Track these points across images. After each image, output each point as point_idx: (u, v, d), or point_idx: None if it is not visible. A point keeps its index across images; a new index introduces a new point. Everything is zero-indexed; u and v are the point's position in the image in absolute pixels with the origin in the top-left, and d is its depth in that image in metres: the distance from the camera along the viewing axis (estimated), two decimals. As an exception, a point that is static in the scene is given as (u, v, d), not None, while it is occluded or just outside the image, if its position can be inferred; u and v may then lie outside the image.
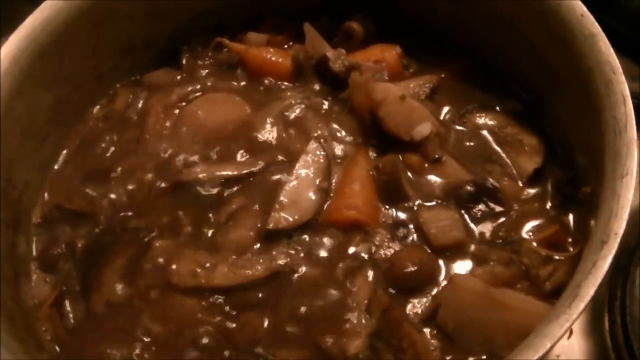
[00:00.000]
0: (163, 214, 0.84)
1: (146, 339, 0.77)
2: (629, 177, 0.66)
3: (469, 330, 0.73)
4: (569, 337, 0.95)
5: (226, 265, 0.78)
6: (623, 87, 0.71)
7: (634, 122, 0.70)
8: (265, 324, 0.76)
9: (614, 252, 0.63)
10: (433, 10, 0.96)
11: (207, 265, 0.78)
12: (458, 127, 0.89)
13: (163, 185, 0.86)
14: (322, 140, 0.86)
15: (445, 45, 0.96)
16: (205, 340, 0.76)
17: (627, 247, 0.98)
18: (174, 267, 0.79)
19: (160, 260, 0.80)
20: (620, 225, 0.64)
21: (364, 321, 0.75)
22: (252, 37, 0.97)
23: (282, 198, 0.81)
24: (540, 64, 0.85)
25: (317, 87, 0.92)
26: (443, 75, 0.93)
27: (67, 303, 0.79)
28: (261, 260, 0.79)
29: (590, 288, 0.61)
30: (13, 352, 0.67)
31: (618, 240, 0.63)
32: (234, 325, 0.76)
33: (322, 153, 0.84)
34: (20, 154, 0.83)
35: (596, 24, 0.76)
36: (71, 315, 0.79)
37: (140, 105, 0.94)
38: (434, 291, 0.77)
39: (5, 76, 0.78)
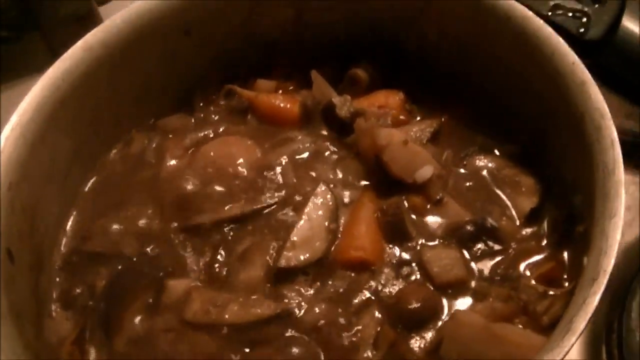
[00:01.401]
0: (177, 253, 0.89)
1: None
2: (617, 218, 0.72)
3: (471, 363, 0.78)
4: (569, 370, 1.00)
5: (237, 303, 0.84)
6: (611, 131, 0.77)
7: (622, 165, 0.76)
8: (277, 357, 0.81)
9: (603, 288, 0.68)
10: (436, 58, 1.02)
11: (219, 303, 0.84)
12: (459, 170, 0.94)
13: (176, 225, 0.91)
14: (330, 183, 0.92)
15: (447, 90, 1.01)
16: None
17: (624, 281, 1.03)
18: (188, 305, 0.84)
19: (176, 298, 0.85)
20: (609, 263, 0.69)
21: (371, 355, 0.80)
22: (261, 84, 1.04)
23: (293, 237, 0.86)
24: (538, 109, 0.91)
25: (324, 132, 0.99)
26: (444, 120, 0.99)
27: (88, 341, 0.84)
28: (271, 299, 0.84)
29: (581, 322, 0.67)
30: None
31: (607, 277, 0.69)
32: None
33: (331, 196, 0.90)
34: (42, 198, 0.88)
35: (587, 71, 0.82)
36: (93, 353, 0.84)
37: (154, 147, 1.00)
38: (437, 326, 0.82)
39: (30, 122, 0.84)
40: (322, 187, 0.91)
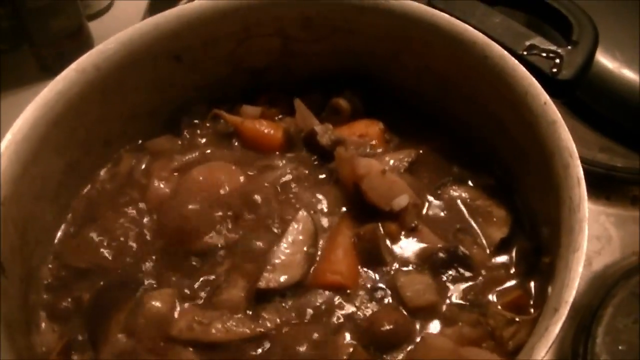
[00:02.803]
0: (160, 271, 0.94)
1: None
2: (580, 252, 0.77)
3: (440, 385, 0.83)
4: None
5: (220, 322, 0.88)
6: (578, 170, 0.82)
7: (586, 202, 0.80)
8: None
9: (564, 317, 0.73)
10: (416, 92, 1.08)
11: (204, 321, 0.88)
12: (433, 199, 0.99)
13: (160, 246, 0.96)
14: (310, 208, 0.97)
15: (425, 122, 1.07)
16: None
17: (591, 308, 1.09)
18: (173, 320, 0.89)
19: (160, 313, 0.89)
20: (570, 294, 0.74)
21: (344, 376, 0.85)
22: (247, 110, 1.08)
23: (273, 260, 0.90)
24: (511, 144, 0.96)
25: (306, 158, 1.03)
26: (421, 150, 1.04)
27: (74, 352, 0.89)
28: (252, 319, 0.88)
29: (542, 349, 0.72)
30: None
31: (568, 307, 0.73)
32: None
33: (311, 221, 0.94)
34: (33, 214, 0.93)
35: (557, 112, 0.87)
36: (80, 360, 0.88)
37: (142, 168, 1.04)
38: (409, 349, 0.87)
39: (23, 142, 0.89)
40: (303, 213, 0.95)
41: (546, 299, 0.81)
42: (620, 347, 1.04)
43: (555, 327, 0.73)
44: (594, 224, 1.21)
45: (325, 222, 0.97)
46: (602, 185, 1.25)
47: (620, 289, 1.11)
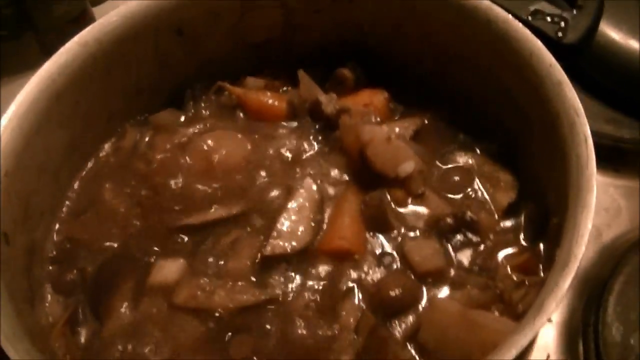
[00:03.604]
0: (165, 244, 0.93)
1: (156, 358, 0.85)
2: (589, 209, 0.76)
3: (448, 348, 0.81)
4: (546, 363, 1.04)
5: (224, 290, 0.87)
6: (585, 128, 0.81)
7: (594, 159, 0.79)
8: (260, 343, 0.84)
9: (573, 273, 0.72)
10: (419, 61, 1.06)
11: (207, 289, 0.87)
12: (440, 165, 0.98)
13: (165, 219, 0.95)
14: (315, 177, 0.96)
15: (430, 90, 1.06)
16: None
17: (601, 279, 1.07)
18: (177, 289, 0.88)
19: (163, 280, 0.89)
20: (579, 251, 0.73)
21: (351, 340, 0.83)
22: (250, 81, 1.08)
23: (279, 227, 0.90)
24: (516, 108, 0.95)
25: (310, 128, 1.02)
26: (426, 119, 1.03)
27: (79, 323, 0.88)
28: (257, 287, 0.88)
29: (551, 304, 0.70)
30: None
31: (577, 262, 0.72)
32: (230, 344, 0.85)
33: (316, 188, 0.94)
34: (36, 187, 0.91)
35: (563, 72, 0.86)
36: (83, 334, 0.88)
37: (146, 142, 1.03)
38: (417, 313, 0.86)
39: (26, 114, 0.88)
40: (308, 181, 0.94)
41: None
42: (632, 316, 1.02)
43: (565, 282, 0.72)
44: (603, 196, 1.20)
45: (331, 190, 0.96)
46: (610, 157, 1.23)
47: (630, 259, 1.09)
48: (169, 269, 0.90)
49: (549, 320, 1.05)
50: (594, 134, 1.19)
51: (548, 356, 1.03)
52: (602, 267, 1.11)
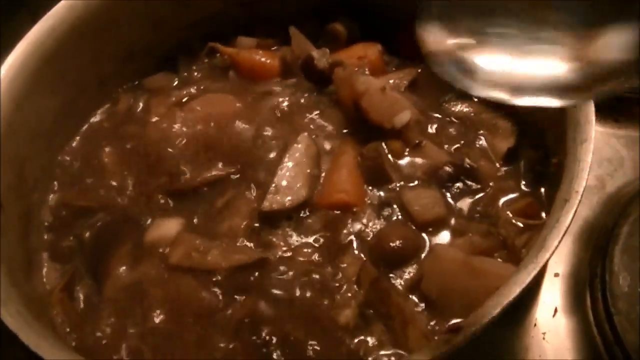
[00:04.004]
0: (161, 206, 0.91)
1: (155, 318, 0.83)
2: (588, 143, 0.74)
3: (452, 296, 0.79)
4: (553, 316, 1.01)
5: (219, 249, 0.85)
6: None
7: (592, 110, 0.77)
8: (260, 301, 0.82)
9: (575, 208, 0.69)
10: (411, 13, 1.04)
11: (202, 249, 0.85)
12: (437, 115, 0.96)
13: (159, 183, 0.93)
14: (311, 132, 0.94)
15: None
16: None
17: (606, 229, 1.05)
18: (173, 249, 0.86)
19: (162, 242, 0.87)
20: (580, 185, 0.71)
21: (353, 292, 0.82)
22: (242, 41, 1.06)
23: (276, 182, 0.88)
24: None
25: (304, 84, 1.00)
26: (421, 69, 1.00)
27: (77, 288, 0.87)
28: (256, 245, 0.86)
29: (554, 240, 0.68)
30: (35, 331, 0.72)
31: (579, 198, 0.70)
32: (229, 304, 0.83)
33: (312, 143, 0.92)
34: (29, 152, 0.90)
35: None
36: (81, 300, 0.86)
37: (141, 105, 1.01)
38: (418, 263, 0.84)
39: (15, 78, 0.86)
40: (304, 135, 0.92)
41: (557, 200, 0.77)
42: (639, 265, 1.00)
43: (567, 218, 0.70)
44: (605, 147, 1.17)
45: (327, 144, 0.94)
46: (610, 107, 1.21)
47: (634, 208, 1.06)
48: (165, 227, 0.89)
49: (556, 274, 1.04)
50: None
51: (555, 310, 1.01)
52: (606, 218, 1.09)
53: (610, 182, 1.14)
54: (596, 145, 1.13)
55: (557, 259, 1.04)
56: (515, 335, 0.89)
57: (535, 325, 0.99)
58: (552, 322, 1.00)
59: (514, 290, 0.66)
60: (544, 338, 0.99)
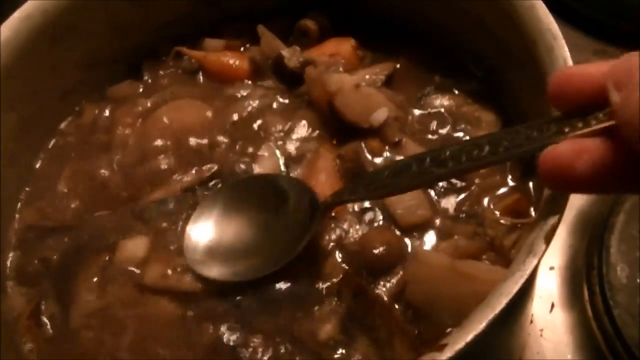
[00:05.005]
0: (131, 222, 0.85)
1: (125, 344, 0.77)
2: (573, 135, 0.67)
3: (439, 304, 0.73)
4: (550, 311, 0.96)
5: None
6: (563, 51, 0.72)
7: (577, 84, 0.71)
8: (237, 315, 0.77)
9: (564, 207, 0.63)
10: (386, 3, 0.98)
11: (178, 269, 0.80)
12: (416, 110, 0.90)
13: (128, 194, 0.88)
14: (283, 136, 0.89)
15: (400, 34, 0.97)
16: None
17: (601, 217, 0.99)
18: (147, 268, 0.81)
19: (133, 261, 0.82)
20: (568, 182, 0.64)
21: (334, 305, 0.76)
22: (209, 43, 0.99)
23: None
24: (492, 41, 0.86)
25: (275, 85, 0.94)
26: (399, 63, 0.94)
27: (43, 314, 0.81)
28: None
29: (541, 244, 0.61)
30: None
31: (567, 195, 0.64)
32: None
33: (278, 150, 0.87)
34: (-11, 173, 0.84)
35: (536, -5, 0.78)
36: (49, 326, 0.80)
37: (106, 117, 0.95)
38: (403, 270, 0.77)
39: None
40: (269, 145, 0.88)
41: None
42: (637, 255, 0.94)
43: (555, 218, 0.63)
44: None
45: (302, 148, 0.88)
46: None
47: (630, 195, 1.00)
48: (136, 246, 0.83)
49: (551, 268, 0.98)
50: None
51: (552, 305, 0.95)
52: (601, 206, 1.03)
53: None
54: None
55: (552, 252, 0.99)
56: (511, 334, 0.83)
57: (531, 322, 0.94)
58: (549, 317, 0.96)
59: (501, 301, 0.59)
60: (541, 335, 0.94)
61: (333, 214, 0.81)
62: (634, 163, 0.51)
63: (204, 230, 0.81)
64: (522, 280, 0.60)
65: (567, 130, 0.56)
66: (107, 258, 0.82)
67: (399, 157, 0.85)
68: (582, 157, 0.53)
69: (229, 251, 0.79)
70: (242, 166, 0.86)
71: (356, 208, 0.82)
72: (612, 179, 0.53)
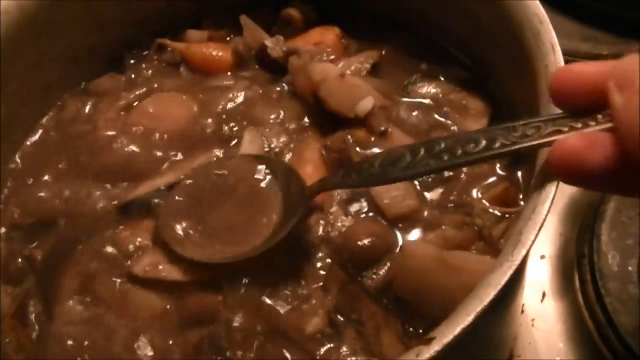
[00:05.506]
0: (116, 217, 0.83)
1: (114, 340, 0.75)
2: (563, 120, 0.65)
3: (427, 296, 0.70)
4: (542, 300, 0.94)
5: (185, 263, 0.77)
6: (551, 36, 0.70)
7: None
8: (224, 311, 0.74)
9: (552, 195, 0.61)
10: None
11: (165, 261, 0.77)
12: (403, 99, 0.87)
13: (115, 189, 0.85)
14: (268, 126, 0.86)
15: (385, 23, 0.95)
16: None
17: (592, 206, 0.97)
18: (135, 259, 0.78)
19: (117, 258, 0.79)
20: (555, 169, 0.62)
21: (321, 299, 0.73)
22: (192, 34, 0.97)
23: (231, 188, 0.79)
24: (478, 28, 0.84)
25: (259, 75, 0.92)
26: (385, 51, 0.92)
27: (29, 313, 0.78)
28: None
29: (530, 233, 0.59)
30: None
31: (555, 184, 0.61)
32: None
33: (262, 139, 0.84)
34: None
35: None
36: (35, 326, 0.77)
37: (88, 111, 0.92)
38: (391, 262, 0.75)
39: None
40: (250, 131, 0.85)
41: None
42: (628, 242, 0.92)
43: (544, 207, 0.60)
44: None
45: (287, 139, 0.85)
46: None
47: (620, 181, 0.98)
48: (119, 240, 0.81)
49: (542, 256, 0.96)
50: (572, 53, 1.11)
51: (544, 294, 0.93)
52: (592, 194, 1.01)
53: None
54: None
55: (542, 241, 0.98)
56: (501, 325, 0.80)
57: (522, 312, 0.92)
58: (540, 307, 0.94)
59: (489, 292, 0.57)
60: (533, 324, 0.92)
61: (321, 208, 0.79)
62: (633, 168, 0.50)
63: (183, 209, 0.78)
64: (510, 271, 0.58)
65: (565, 130, 0.56)
66: (92, 254, 0.80)
67: (386, 147, 0.82)
68: (595, 150, 0.52)
69: (208, 232, 0.77)
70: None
71: (344, 196, 0.80)
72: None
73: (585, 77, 0.54)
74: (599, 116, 0.54)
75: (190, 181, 0.81)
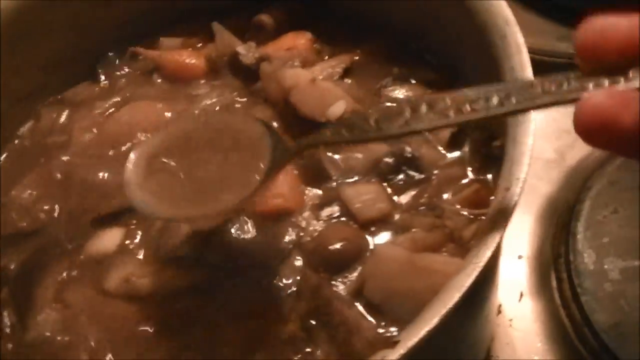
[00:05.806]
0: (91, 229, 0.82)
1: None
2: (528, 124, 0.63)
3: (398, 299, 0.69)
4: (519, 300, 0.93)
5: (153, 274, 0.76)
6: (517, 37, 0.70)
7: (530, 69, 0.68)
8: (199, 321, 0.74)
9: (516, 197, 0.60)
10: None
11: (140, 274, 0.77)
12: (375, 103, 0.86)
13: (90, 200, 0.84)
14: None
15: (357, 27, 0.94)
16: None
17: (568, 205, 0.97)
18: (107, 274, 0.77)
19: (93, 268, 0.78)
20: (521, 170, 0.61)
21: (295, 304, 0.72)
22: (165, 42, 0.97)
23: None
24: (446, 31, 0.83)
25: (232, 82, 0.91)
26: (357, 55, 0.92)
27: (3, 327, 0.77)
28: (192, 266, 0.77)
29: (495, 236, 0.59)
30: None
31: (520, 184, 0.60)
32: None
33: None
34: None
35: (488, -17, 0.75)
36: (9, 339, 0.76)
37: (63, 121, 0.92)
38: (363, 266, 0.74)
39: None
40: None
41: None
42: (603, 240, 0.92)
43: (509, 209, 0.60)
44: (563, 118, 1.07)
45: (258, 145, 0.84)
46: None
47: (595, 180, 0.98)
48: (95, 250, 0.80)
49: (519, 257, 0.96)
50: (548, 53, 1.10)
51: (521, 295, 0.93)
52: (568, 193, 1.01)
53: (570, 154, 1.06)
54: (553, 116, 1.06)
55: (519, 241, 0.97)
56: (475, 326, 0.80)
57: (500, 312, 0.92)
58: (518, 307, 0.93)
59: (453, 295, 0.56)
60: (510, 325, 0.92)
61: (293, 214, 0.78)
62: None
63: (151, 163, 0.71)
64: (475, 273, 0.57)
65: (591, 86, 0.50)
66: (67, 264, 0.79)
67: (357, 153, 0.81)
68: (627, 110, 0.46)
69: (179, 189, 0.70)
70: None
71: (316, 201, 0.79)
72: None
73: (615, 31, 0.48)
74: (630, 73, 0.48)
75: (159, 134, 0.75)
